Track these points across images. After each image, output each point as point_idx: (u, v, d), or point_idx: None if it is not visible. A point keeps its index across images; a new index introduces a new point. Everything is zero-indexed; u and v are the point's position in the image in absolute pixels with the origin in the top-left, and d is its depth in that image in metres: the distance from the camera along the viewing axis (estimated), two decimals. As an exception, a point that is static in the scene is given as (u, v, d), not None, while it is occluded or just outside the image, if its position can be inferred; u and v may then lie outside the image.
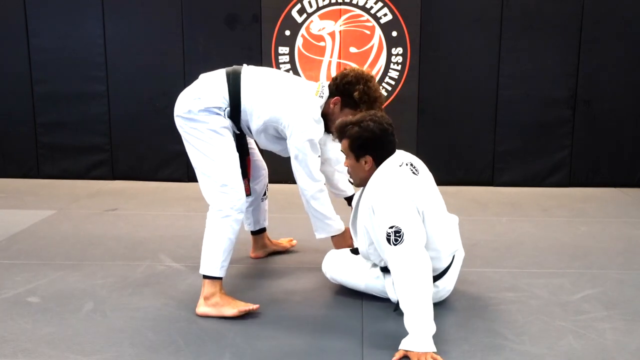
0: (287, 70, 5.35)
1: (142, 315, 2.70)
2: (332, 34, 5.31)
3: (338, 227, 3.06)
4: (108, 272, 3.21)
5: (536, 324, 2.62)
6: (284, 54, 5.34)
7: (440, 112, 5.45)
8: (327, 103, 2.94)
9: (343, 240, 3.07)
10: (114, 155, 5.63)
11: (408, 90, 5.36)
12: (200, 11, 5.37)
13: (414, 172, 2.55)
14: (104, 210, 4.54)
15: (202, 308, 2.68)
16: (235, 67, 2.98)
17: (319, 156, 2.94)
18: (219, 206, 2.77)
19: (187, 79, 5.45)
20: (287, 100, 2.85)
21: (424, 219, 2.51)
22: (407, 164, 2.58)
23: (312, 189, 2.93)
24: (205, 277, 2.73)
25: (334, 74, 5.34)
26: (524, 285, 3.06)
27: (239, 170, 2.85)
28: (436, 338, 2.42)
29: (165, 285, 3.03)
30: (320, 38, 5.32)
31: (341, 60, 5.33)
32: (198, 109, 2.81)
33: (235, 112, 2.86)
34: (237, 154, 2.86)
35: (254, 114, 2.87)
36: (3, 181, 5.55)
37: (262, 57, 5.35)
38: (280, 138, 2.97)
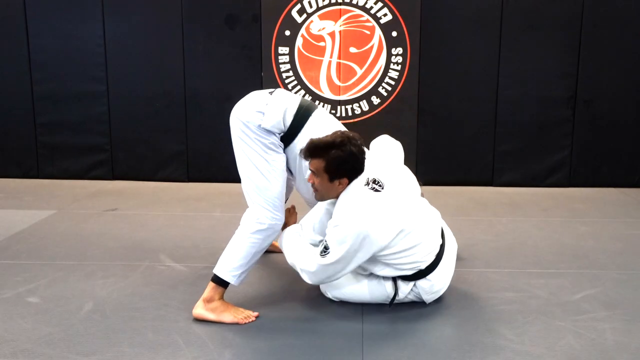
0: (287, 71, 5.35)
1: (141, 316, 2.70)
2: (332, 34, 5.31)
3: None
4: (108, 272, 3.21)
5: (536, 324, 2.62)
6: (283, 54, 5.34)
7: (440, 112, 5.45)
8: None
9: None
10: (114, 155, 5.63)
11: (408, 90, 5.36)
12: (200, 11, 5.37)
13: (377, 190, 2.56)
14: (104, 210, 4.54)
15: (200, 310, 2.65)
16: (311, 102, 2.95)
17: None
18: (262, 219, 2.72)
19: (187, 79, 5.46)
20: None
21: (401, 228, 2.56)
22: (371, 181, 2.59)
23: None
24: (214, 278, 2.69)
25: (334, 74, 5.35)
26: (524, 285, 3.06)
27: (284, 191, 2.81)
28: (436, 337, 2.43)
29: (165, 286, 3.03)
30: (320, 38, 5.32)
31: (341, 61, 5.33)
32: (257, 124, 2.73)
33: (286, 141, 2.79)
34: (286, 175, 2.82)
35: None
36: (3, 181, 5.55)
37: (262, 57, 5.36)
38: None
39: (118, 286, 3.03)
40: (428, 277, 2.68)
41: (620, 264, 3.41)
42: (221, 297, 2.68)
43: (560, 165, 5.47)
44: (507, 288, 3.00)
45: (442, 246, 2.75)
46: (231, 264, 2.67)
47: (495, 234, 3.97)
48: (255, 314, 2.66)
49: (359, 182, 2.60)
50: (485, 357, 2.33)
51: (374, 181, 2.59)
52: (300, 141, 2.74)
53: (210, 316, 2.62)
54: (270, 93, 2.87)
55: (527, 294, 2.94)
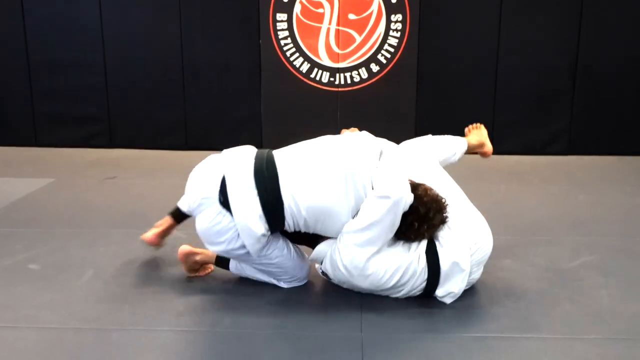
0: (285, 38, 5.29)
1: (142, 283, 2.71)
2: (330, 0, 5.23)
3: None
4: (108, 241, 3.22)
5: (533, 291, 2.64)
6: (282, 21, 5.27)
7: (440, 81, 5.41)
8: None
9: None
10: (112, 124, 5.59)
11: (407, 58, 5.31)
12: (197, -23, 5.29)
13: None
14: (103, 179, 4.53)
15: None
16: (268, 155, 2.55)
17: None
18: (293, 273, 2.61)
19: (185, 47, 5.40)
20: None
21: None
22: None
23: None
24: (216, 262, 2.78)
25: (332, 41, 5.29)
26: (522, 253, 3.07)
27: (298, 258, 2.62)
28: (434, 303, 2.45)
29: (165, 253, 3.04)
30: (319, 4, 5.25)
31: (340, 27, 5.26)
32: (240, 253, 2.50)
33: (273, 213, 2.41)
34: (289, 245, 2.60)
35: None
36: (0, 150, 5.52)
37: (259, 25, 5.29)
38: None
39: (118, 254, 3.04)
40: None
41: (618, 232, 3.42)
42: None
43: (560, 134, 5.45)
44: (505, 256, 3.02)
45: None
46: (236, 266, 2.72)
47: (494, 203, 3.98)
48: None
49: None
50: (482, 323, 2.36)
51: None
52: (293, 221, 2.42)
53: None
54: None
55: (524, 262, 2.96)
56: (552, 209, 3.85)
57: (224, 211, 2.38)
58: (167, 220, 2.90)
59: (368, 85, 5.37)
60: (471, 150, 3.21)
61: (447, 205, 2.44)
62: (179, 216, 2.86)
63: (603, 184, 4.49)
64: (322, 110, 5.45)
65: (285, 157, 2.51)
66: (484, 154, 3.36)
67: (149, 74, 5.48)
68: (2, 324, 2.34)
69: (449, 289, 2.44)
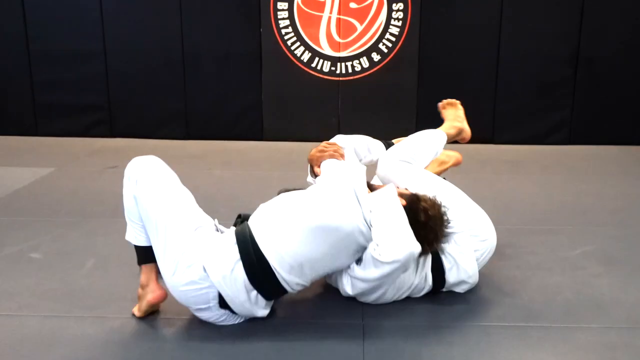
0: (286, 27, 5.27)
1: (144, 271, 2.72)
2: (332, -11, 5.21)
3: None
4: (109, 229, 3.22)
5: (534, 280, 2.65)
6: (282, 10, 5.25)
7: (441, 70, 5.39)
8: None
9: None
10: (113, 113, 5.59)
11: (409, 47, 5.29)
12: (197, -35, 5.27)
13: None
14: (104, 168, 4.53)
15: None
16: (243, 227, 2.21)
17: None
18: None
19: (185, 36, 5.38)
20: None
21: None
22: None
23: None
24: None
25: (334, 30, 5.27)
26: (523, 242, 3.08)
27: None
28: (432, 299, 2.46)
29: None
30: (320, -7, 5.23)
31: (341, 16, 5.24)
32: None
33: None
34: None
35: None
36: (1, 139, 5.52)
37: (260, 13, 5.27)
38: None
39: (119, 243, 3.03)
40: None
41: (618, 221, 3.43)
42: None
43: (561, 124, 5.45)
44: (505, 245, 3.02)
45: None
46: None
47: (495, 192, 3.98)
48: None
49: None
50: (484, 311, 2.36)
51: None
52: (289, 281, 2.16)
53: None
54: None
55: (525, 251, 2.97)
56: (552, 199, 3.85)
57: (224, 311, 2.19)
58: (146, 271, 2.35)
59: (369, 74, 5.35)
60: (450, 141, 2.96)
61: (446, 211, 2.34)
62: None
63: (604, 174, 4.49)
64: (323, 100, 5.44)
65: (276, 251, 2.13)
66: (462, 140, 3.09)
67: (150, 63, 5.46)
68: (5, 312, 2.36)
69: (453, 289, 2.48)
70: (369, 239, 2.15)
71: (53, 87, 5.54)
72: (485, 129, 5.48)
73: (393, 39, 5.28)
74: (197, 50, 5.41)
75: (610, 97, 5.38)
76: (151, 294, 2.28)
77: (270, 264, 2.10)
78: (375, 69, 5.34)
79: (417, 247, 2.11)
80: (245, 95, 5.49)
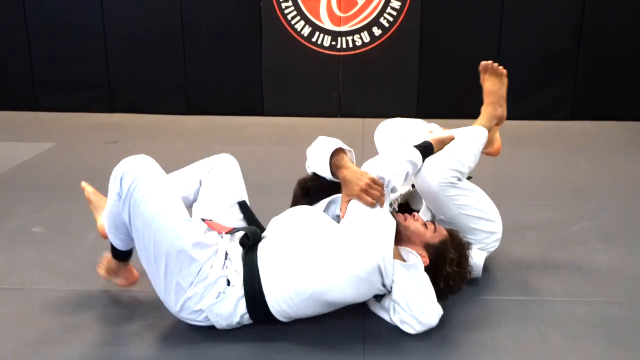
0: (286, 0, 5.21)
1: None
2: (333, -38, 5.15)
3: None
4: (110, 204, 3.23)
5: (534, 255, 2.66)
6: (283, -17, 5.20)
7: (443, 45, 5.35)
8: None
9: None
10: (112, 88, 5.55)
11: (410, 21, 5.24)
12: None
13: None
14: (105, 143, 4.52)
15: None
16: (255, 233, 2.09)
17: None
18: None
19: (185, 10, 5.32)
20: None
21: None
22: None
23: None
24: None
25: (334, 4, 5.22)
26: (523, 218, 3.08)
27: None
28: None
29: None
30: (321, -34, 5.17)
31: (342, -10, 5.19)
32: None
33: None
34: None
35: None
36: (0, 114, 5.50)
37: (261, -13, 5.22)
38: None
39: (121, 217, 3.05)
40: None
41: (619, 197, 3.43)
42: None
43: (564, 100, 5.42)
44: (505, 220, 3.01)
45: None
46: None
47: (496, 168, 3.97)
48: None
49: None
50: (483, 286, 2.38)
51: None
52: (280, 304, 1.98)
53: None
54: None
55: (525, 226, 2.97)
56: (553, 175, 3.85)
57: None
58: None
59: (370, 49, 5.31)
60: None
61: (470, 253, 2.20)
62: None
63: (605, 150, 4.48)
64: (324, 75, 5.41)
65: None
66: (497, 125, 2.68)
67: (149, 39, 5.41)
68: (8, 285, 2.37)
69: None
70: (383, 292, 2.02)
71: (52, 61, 5.50)
72: (486, 105, 5.46)
73: (394, 13, 5.23)
74: (197, 24, 5.36)
75: (614, 72, 5.34)
76: (124, 281, 2.27)
77: (271, 311, 1.98)
78: (376, 43, 5.30)
79: (439, 312, 2.02)
80: (245, 70, 5.46)
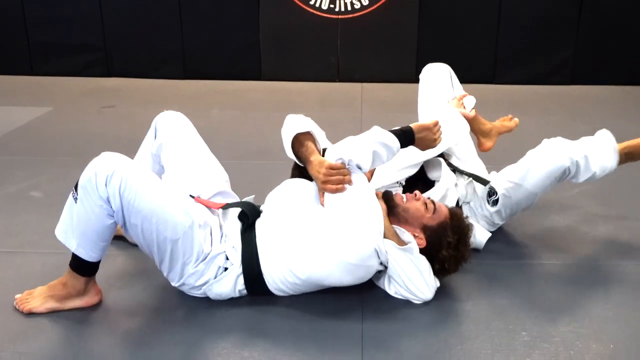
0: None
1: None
2: None
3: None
4: (108, 168, 3.22)
5: (531, 219, 2.67)
6: (281, -56, 5.10)
7: (443, 8, 5.28)
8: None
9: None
10: (109, 52, 5.50)
11: (410, -17, 5.18)
12: None
13: None
14: (102, 107, 4.50)
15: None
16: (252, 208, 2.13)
17: None
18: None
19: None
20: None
21: None
22: None
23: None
24: None
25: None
26: (521, 181, 3.08)
27: None
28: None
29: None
30: None
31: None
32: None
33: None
34: None
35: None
36: (-4, 78, 5.46)
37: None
38: None
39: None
40: None
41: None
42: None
43: (564, 64, 5.38)
44: (504, 184, 3.04)
45: None
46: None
47: (494, 132, 3.96)
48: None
49: None
50: (481, 252, 2.40)
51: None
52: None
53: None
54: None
55: (523, 190, 2.98)
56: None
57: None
58: None
59: (369, 12, 5.24)
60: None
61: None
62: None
63: (605, 114, 4.47)
64: (322, 38, 5.35)
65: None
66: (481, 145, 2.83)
67: (146, 2, 5.34)
68: (8, 249, 2.39)
69: None
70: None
71: (47, 25, 5.43)
72: (486, 69, 5.42)
73: (394, -25, 5.15)
74: (193, -13, 5.29)
75: (614, 36, 5.29)
76: (92, 298, 2.05)
77: (269, 288, 2.04)
78: (375, 6, 5.23)
79: (435, 286, 2.07)
80: (242, 34, 5.39)
